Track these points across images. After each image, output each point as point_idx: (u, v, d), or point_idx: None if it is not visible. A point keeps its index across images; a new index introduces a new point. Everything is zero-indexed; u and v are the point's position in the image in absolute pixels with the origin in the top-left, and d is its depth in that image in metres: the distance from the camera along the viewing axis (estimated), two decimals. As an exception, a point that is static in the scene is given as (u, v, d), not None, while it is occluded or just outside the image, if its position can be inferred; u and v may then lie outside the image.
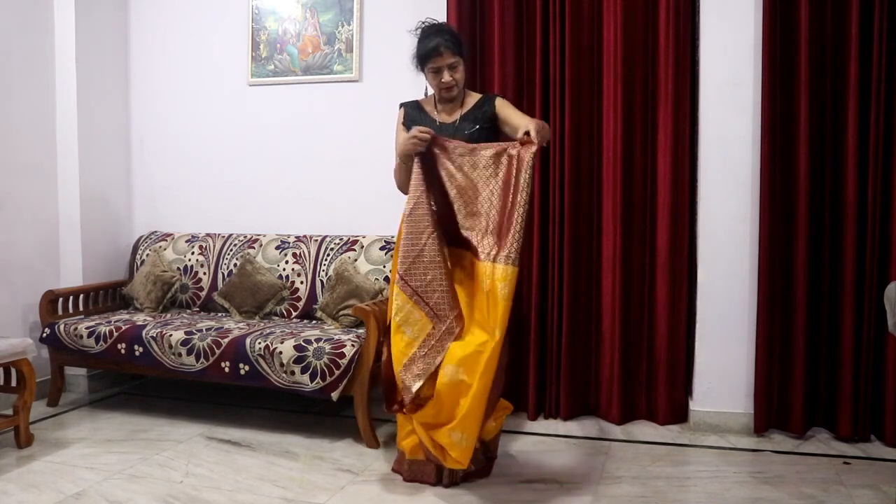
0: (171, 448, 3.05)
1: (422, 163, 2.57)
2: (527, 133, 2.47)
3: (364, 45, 3.80)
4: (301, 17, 3.90)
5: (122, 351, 3.37)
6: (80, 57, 3.84)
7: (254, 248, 3.84)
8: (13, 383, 3.12)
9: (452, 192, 2.58)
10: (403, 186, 2.74)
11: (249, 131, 4.03)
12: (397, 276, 2.55)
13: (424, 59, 2.71)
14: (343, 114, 3.84)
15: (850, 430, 3.03)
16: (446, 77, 2.70)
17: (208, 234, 4.02)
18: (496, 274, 2.45)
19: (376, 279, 3.46)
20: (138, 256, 4.06)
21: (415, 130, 2.56)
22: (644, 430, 3.27)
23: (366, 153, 3.76)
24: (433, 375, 2.46)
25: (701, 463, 2.89)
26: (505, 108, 2.78)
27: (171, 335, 3.28)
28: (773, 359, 3.11)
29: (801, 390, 3.07)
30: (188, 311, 3.89)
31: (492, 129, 2.75)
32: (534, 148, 2.45)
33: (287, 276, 3.71)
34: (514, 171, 2.48)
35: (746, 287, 3.14)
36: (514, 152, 2.50)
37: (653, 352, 3.32)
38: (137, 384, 4.08)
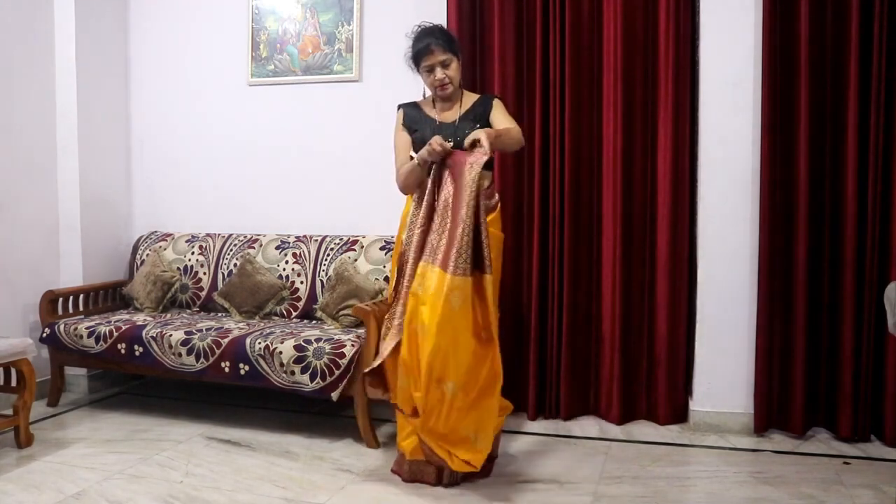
0: (171, 448, 3.05)
1: (434, 172, 2.61)
2: (476, 141, 2.51)
3: (364, 45, 3.80)
4: (301, 17, 3.90)
5: (122, 351, 3.37)
6: (80, 57, 3.85)
7: (254, 248, 3.84)
8: (13, 383, 3.12)
9: (440, 206, 2.60)
10: (407, 188, 2.76)
11: (249, 131, 4.03)
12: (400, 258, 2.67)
13: (417, 58, 2.76)
14: (343, 114, 3.84)
15: (850, 430, 3.03)
16: (439, 74, 2.73)
17: (208, 234, 4.02)
18: (451, 283, 2.45)
19: (376, 279, 3.46)
20: (138, 256, 4.06)
21: (437, 139, 2.58)
22: (644, 430, 3.27)
23: (366, 153, 3.76)
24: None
25: (701, 463, 2.89)
26: (496, 112, 2.80)
27: (171, 335, 3.28)
28: (773, 359, 3.11)
29: (801, 390, 3.07)
30: (188, 311, 3.89)
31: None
32: (482, 158, 2.48)
33: (287, 276, 3.71)
34: (461, 184, 2.51)
35: (746, 287, 3.14)
36: (472, 160, 2.52)
37: (653, 352, 3.32)
38: (137, 384, 4.08)
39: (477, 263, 2.52)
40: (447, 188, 2.58)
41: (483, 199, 2.67)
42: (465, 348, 2.47)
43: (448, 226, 2.54)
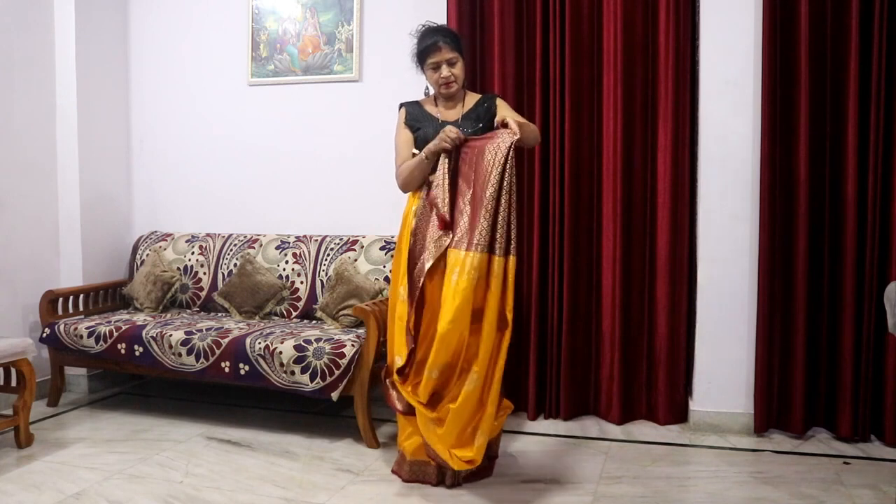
0: (171, 448, 3.05)
1: (448, 160, 2.61)
2: (504, 122, 2.52)
3: (364, 45, 3.80)
4: (301, 17, 3.90)
5: (122, 351, 3.37)
6: (80, 57, 3.85)
7: (254, 248, 3.84)
8: (13, 383, 3.12)
9: (465, 189, 2.60)
10: (409, 185, 2.75)
11: (249, 131, 4.03)
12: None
13: (423, 55, 2.74)
14: (343, 114, 3.85)
15: (850, 430, 3.03)
16: (445, 72, 2.71)
17: (208, 234, 4.02)
18: (467, 262, 2.49)
19: (376, 279, 3.47)
20: (138, 256, 4.06)
21: (449, 130, 2.59)
22: (644, 430, 3.27)
23: (366, 153, 3.76)
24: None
25: (701, 463, 2.89)
26: (503, 109, 2.80)
27: (171, 335, 3.28)
28: (773, 359, 3.11)
29: (801, 390, 3.07)
30: (188, 311, 3.89)
31: (493, 128, 2.75)
32: (509, 138, 2.48)
33: (287, 276, 3.71)
34: (489, 164, 2.50)
35: (746, 287, 3.14)
36: (497, 142, 2.53)
37: (653, 352, 3.32)
38: (137, 384, 4.08)
39: (490, 245, 2.51)
40: (466, 174, 2.58)
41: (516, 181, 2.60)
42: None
43: (469, 209, 2.55)
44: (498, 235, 2.50)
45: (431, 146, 2.63)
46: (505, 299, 2.53)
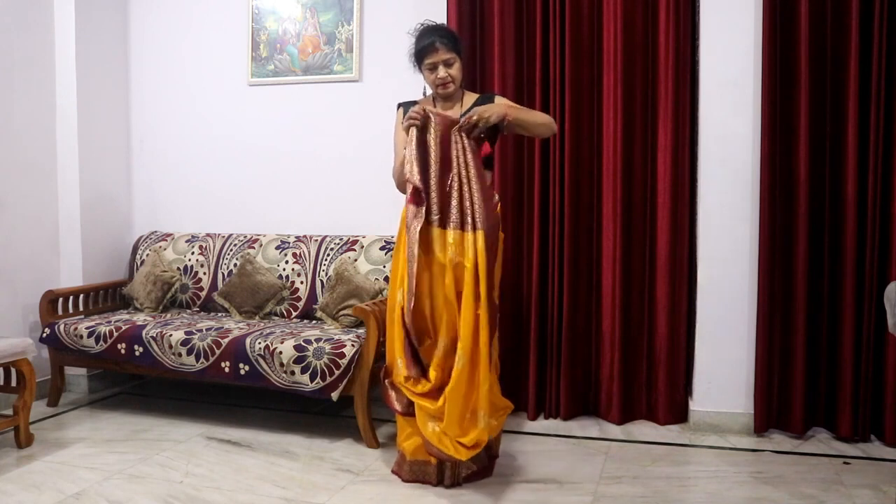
0: (171, 448, 3.05)
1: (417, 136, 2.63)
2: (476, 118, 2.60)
3: (364, 45, 3.80)
4: (301, 17, 3.90)
5: (122, 351, 3.37)
6: (80, 57, 3.85)
7: (254, 248, 3.84)
8: (13, 383, 3.12)
9: (434, 167, 2.63)
10: (403, 185, 2.75)
11: (249, 131, 4.03)
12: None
13: (420, 55, 2.74)
14: (343, 114, 3.85)
15: (850, 430, 3.03)
16: (442, 73, 2.71)
17: (208, 234, 4.02)
18: (448, 237, 2.59)
19: (376, 279, 3.47)
20: (138, 256, 4.06)
21: (412, 110, 2.62)
22: (644, 430, 3.27)
23: (366, 153, 3.76)
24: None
25: (701, 463, 2.89)
26: (498, 102, 2.80)
27: (171, 335, 3.28)
28: (773, 359, 3.11)
29: (801, 390, 3.07)
30: (188, 311, 3.89)
31: (492, 127, 2.75)
32: (461, 120, 2.61)
33: (287, 276, 3.71)
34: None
35: (746, 287, 3.14)
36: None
37: (653, 352, 3.32)
38: (137, 384, 4.08)
39: (461, 222, 2.57)
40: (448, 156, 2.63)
41: (474, 160, 2.63)
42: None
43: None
44: (465, 211, 2.56)
45: (405, 123, 2.63)
46: (477, 275, 2.54)
